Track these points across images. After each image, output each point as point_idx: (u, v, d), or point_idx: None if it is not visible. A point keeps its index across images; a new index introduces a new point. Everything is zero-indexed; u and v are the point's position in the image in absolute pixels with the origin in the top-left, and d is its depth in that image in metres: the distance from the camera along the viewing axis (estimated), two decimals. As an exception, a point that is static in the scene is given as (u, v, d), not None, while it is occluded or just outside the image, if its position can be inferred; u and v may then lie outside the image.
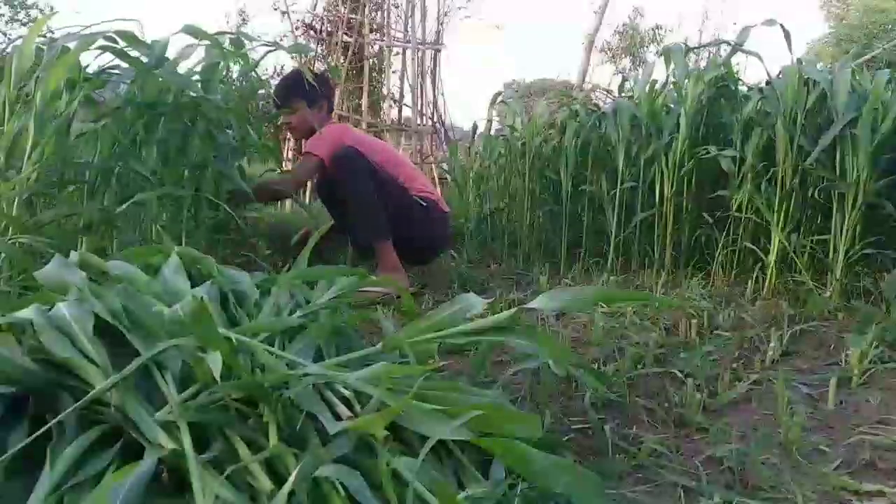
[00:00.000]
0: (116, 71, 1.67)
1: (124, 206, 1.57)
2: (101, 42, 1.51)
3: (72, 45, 1.45)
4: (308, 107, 2.46)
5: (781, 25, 2.27)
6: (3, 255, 1.24)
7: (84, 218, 1.55)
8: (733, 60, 2.49)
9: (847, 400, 1.27)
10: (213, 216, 1.97)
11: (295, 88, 2.43)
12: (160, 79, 1.64)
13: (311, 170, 2.42)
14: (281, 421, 0.77)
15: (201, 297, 0.94)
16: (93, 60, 1.63)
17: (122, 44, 1.54)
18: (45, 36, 1.60)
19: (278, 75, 11.06)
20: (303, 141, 2.65)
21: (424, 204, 2.37)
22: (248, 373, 0.84)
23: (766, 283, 2.19)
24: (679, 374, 1.36)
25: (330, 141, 2.35)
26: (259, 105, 2.69)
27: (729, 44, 2.40)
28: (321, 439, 0.76)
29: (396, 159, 2.55)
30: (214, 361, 0.75)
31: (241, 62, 1.91)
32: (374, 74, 6.09)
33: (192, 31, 1.71)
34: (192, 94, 1.73)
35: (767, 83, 2.31)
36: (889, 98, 2.04)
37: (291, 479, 0.66)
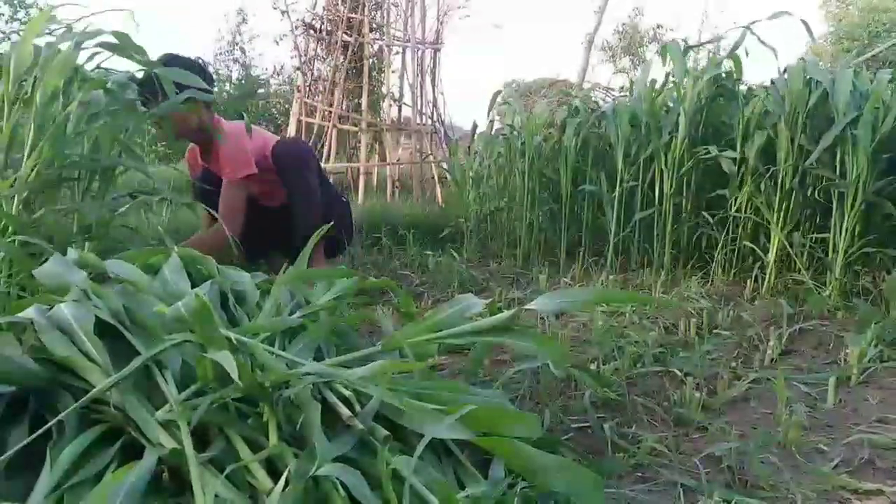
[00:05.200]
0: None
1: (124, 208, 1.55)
2: (98, 39, 1.49)
3: (65, 44, 1.44)
4: (204, 105, 2.03)
5: (802, 20, 2.25)
6: (2, 254, 1.24)
7: (80, 218, 1.53)
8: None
9: (846, 399, 1.27)
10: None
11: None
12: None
13: (244, 197, 2.08)
14: (281, 420, 0.77)
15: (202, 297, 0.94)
16: (86, 61, 1.61)
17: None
18: (49, 33, 1.58)
19: (278, 74, 10.87)
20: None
21: (345, 199, 2.31)
22: (249, 372, 0.84)
23: (766, 283, 2.19)
24: (678, 373, 1.36)
25: (243, 151, 2.05)
26: (260, 104, 2.60)
27: (721, 38, 2.39)
28: (322, 438, 0.76)
29: None
30: (228, 360, 0.75)
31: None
32: (374, 74, 6.07)
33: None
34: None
35: (772, 83, 2.30)
36: (890, 98, 2.04)
37: (283, 478, 0.66)
